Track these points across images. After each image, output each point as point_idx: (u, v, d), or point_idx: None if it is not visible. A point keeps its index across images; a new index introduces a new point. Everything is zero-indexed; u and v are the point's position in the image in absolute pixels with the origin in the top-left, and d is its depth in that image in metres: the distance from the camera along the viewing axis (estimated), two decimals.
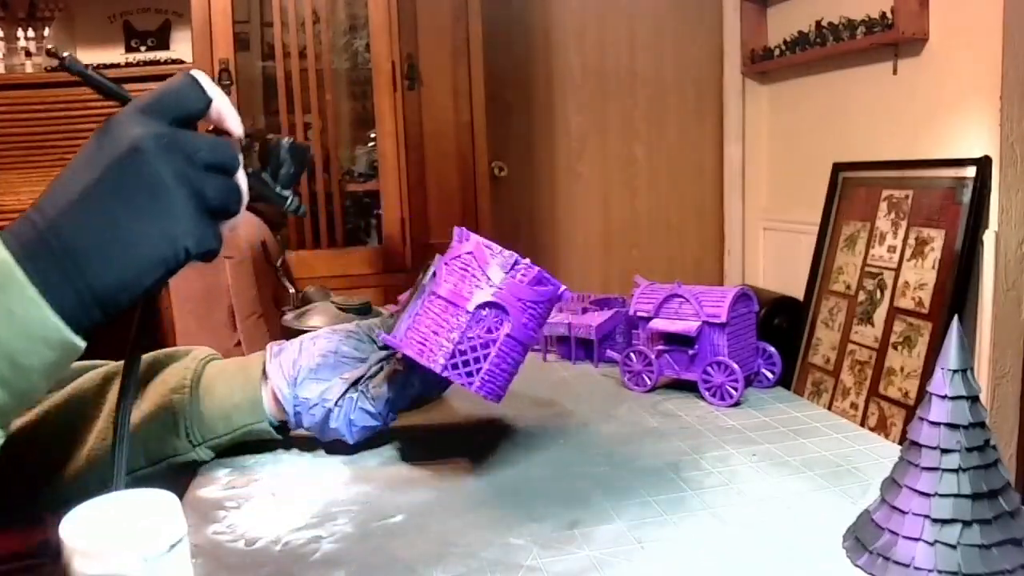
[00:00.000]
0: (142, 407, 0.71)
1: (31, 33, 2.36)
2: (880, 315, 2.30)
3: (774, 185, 3.08)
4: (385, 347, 0.75)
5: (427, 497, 0.72)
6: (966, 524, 0.53)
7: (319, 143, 2.30)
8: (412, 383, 0.74)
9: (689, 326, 0.96)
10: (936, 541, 0.53)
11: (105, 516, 0.39)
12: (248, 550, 0.64)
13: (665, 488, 0.72)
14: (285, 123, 2.27)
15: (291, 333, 0.86)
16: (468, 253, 0.67)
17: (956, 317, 0.60)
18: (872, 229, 2.39)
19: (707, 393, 0.96)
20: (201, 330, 1.74)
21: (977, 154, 2.05)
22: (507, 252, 0.67)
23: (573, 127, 3.09)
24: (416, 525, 0.67)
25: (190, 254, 0.45)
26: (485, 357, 0.67)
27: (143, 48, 2.52)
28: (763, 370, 1.02)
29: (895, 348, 2.23)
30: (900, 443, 0.59)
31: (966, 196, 2.07)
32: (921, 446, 0.55)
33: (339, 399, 0.73)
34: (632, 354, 1.02)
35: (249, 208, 0.52)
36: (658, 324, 0.99)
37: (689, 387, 0.99)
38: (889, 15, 2.23)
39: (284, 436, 0.78)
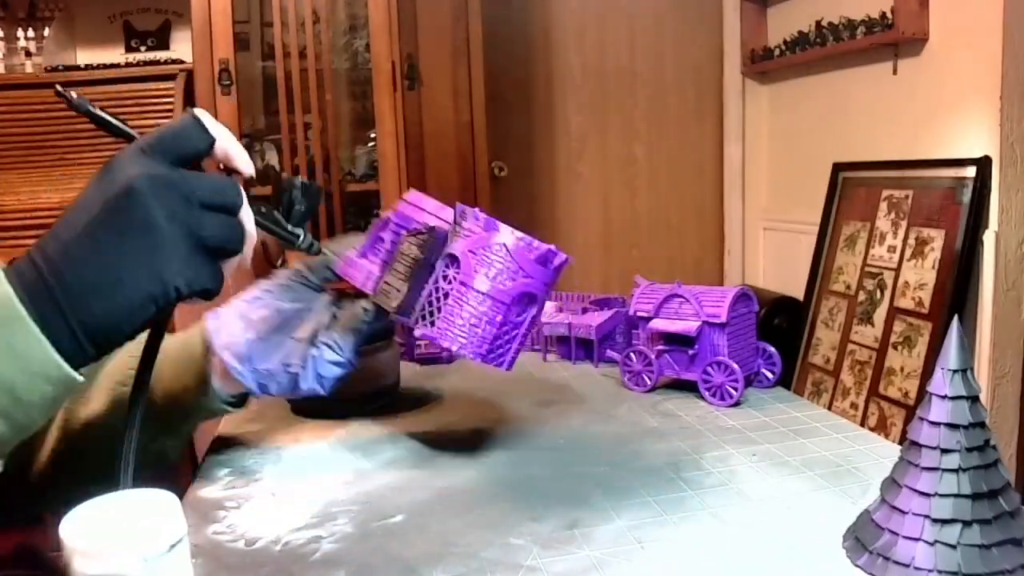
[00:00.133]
0: (92, 406, 0.70)
1: (31, 33, 2.36)
2: (880, 315, 2.30)
3: (774, 185, 3.07)
4: (322, 288, 0.74)
5: (427, 497, 0.72)
6: (966, 524, 0.53)
7: (319, 143, 2.30)
8: (377, 317, 0.72)
9: (689, 326, 0.96)
10: (936, 541, 0.53)
11: (105, 516, 0.39)
12: (248, 550, 0.64)
13: (665, 488, 0.72)
14: (285, 123, 2.27)
15: None
16: (500, 244, 0.67)
17: (956, 317, 0.60)
18: (872, 229, 2.39)
19: (707, 393, 0.96)
20: None
21: (977, 154, 2.05)
22: (534, 241, 0.69)
23: (573, 127, 3.09)
24: (416, 525, 0.67)
25: (181, 293, 0.46)
26: (515, 338, 0.69)
27: (143, 48, 2.52)
28: (763, 370, 1.02)
29: (895, 348, 2.23)
30: (900, 443, 0.59)
31: (966, 196, 2.06)
32: (921, 446, 0.55)
33: (303, 361, 0.71)
34: (632, 354, 1.02)
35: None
36: (658, 324, 0.99)
37: (689, 387, 0.99)
38: (889, 15, 2.23)
39: (243, 408, 0.76)
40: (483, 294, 0.67)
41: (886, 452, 0.79)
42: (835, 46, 2.46)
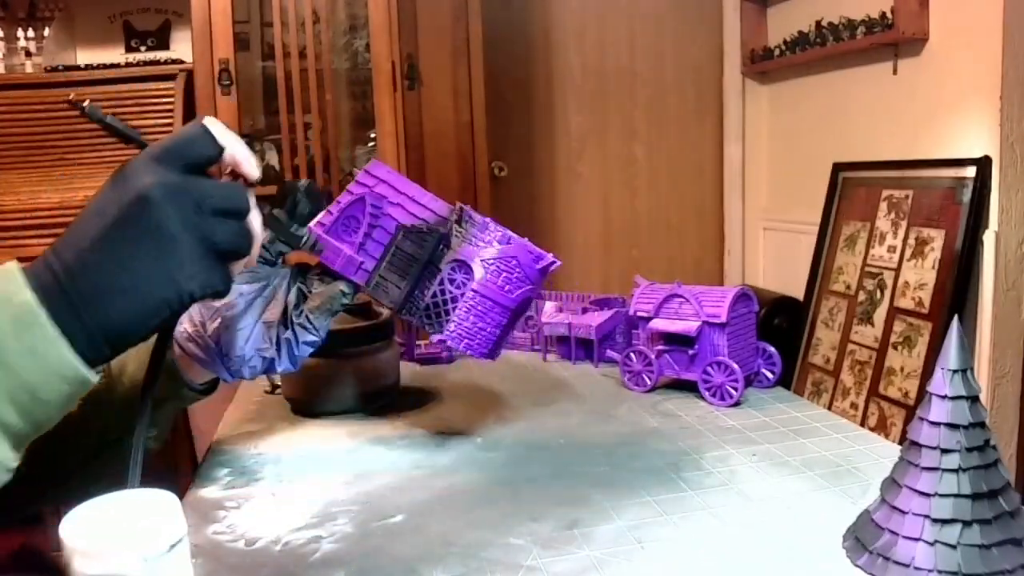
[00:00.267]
0: None
1: (31, 33, 2.35)
2: (880, 315, 2.30)
3: (774, 185, 3.07)
4: (277, 264, 0.72)
5: (427, 497, 0.72)
6: (966, 524, 0.53)
7: (319, 143, 2.30)
8: (345, 294, 0.71)
9: (689, 326, 0.96)
10: (936, 541, 0.53)
11: (105, 516, 0.39)
12: (248, 550, 0.64)
13: (665, 488, 0.72)
14: (285, 123, 2.27)
15: None
16: (513, 257, 0.70)
17: (956, 317, 0.60)
18: (872, 229, 2.39)
19: (707, 393, 0.96)
20: None
21: (977, 154, 2.05)
22: (541, 252, 0.72)
23: (573, 127, 3.09)
24: (416, 525, 0.67)
25: (194, 296, 0.48)
26: (507, 335, 0.73)
27: (143, 48, 2.52)
28: (763, 370, 1.02)
29: (895, 348, 2.23)
30: (900, 443, 0.59)
31: (966, 196, 2.06)
32: (921, 446, 0.55)
33: (276, 344, 0.70)
34: (632, 354, 1.02)
35: None
36: (658, 324, 0.99)
37: (689, 387, 0.99)
38: (889, 15, 2.23)
39: (214, 392, 0.75)
40: (494, 301, 0.70)
41: (886, 452, 0.79)
42: (835, 46, 2.46)
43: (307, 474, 0.79)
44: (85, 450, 0.69)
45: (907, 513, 0.55)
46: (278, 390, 1.04)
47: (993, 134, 2.01)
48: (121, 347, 0.47)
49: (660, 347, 1.00)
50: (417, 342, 1.23)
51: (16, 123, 2.25)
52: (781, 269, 3.00)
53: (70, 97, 0.58)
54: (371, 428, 0.92)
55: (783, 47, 2.75)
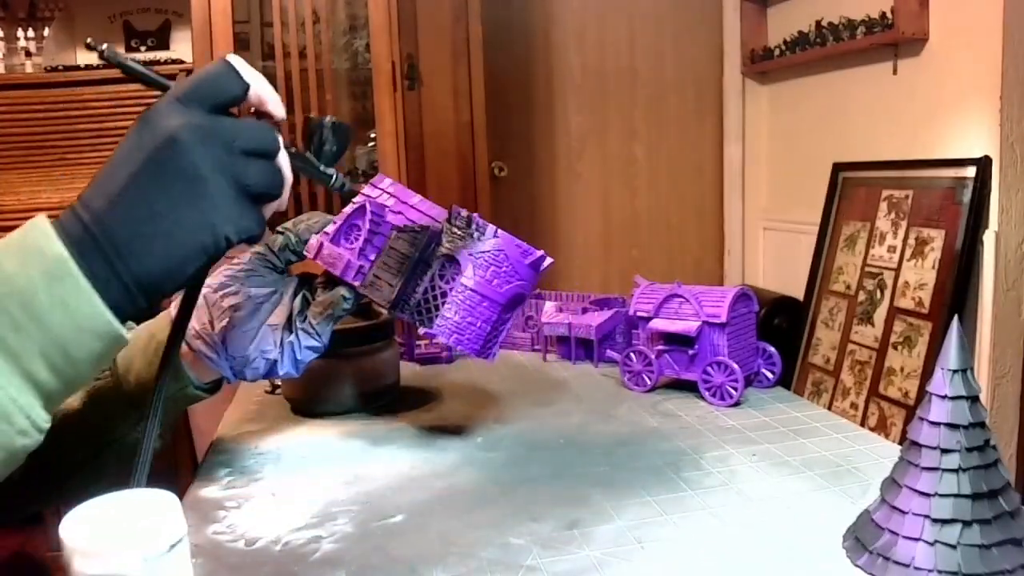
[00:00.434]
0: (68, 401, 0.69)
1: (31, 33, 2.35)
2: (880, 315, 2.30)
3: (774, 185, 3.07)
4: (286, 271, 0.74)
5: (427, 497, 0.72)
6: (966, 524, 0.53)
7: None
8: (347, 299, 0.72)
9: (689, 326, 0.96)
10: (936, 541, 0.53)
11: (105, 516, 0.39)
12: (248, 550, 0.64)
13: (665, 488, 0.72)
14: (285, 123, 2.27)
15: None
16: (500, 251, 0.71)
17: (956, 317, 0.60)
18: (872, 229, 2.39)
19: (707, 393, 0.96)
20: None
21: (977, 154, 2.05)
22: (529, 248, 0.73)
23: (573, 127, 3.09)
24: (416, 525, 0.67)
25: (231, 241, 0.46)
26: (501, 332, 0.73)
27: (143, 48, 2.52)
28: (763, 370, 1.02)
29: (895, 348, 2.23)
30: (900, 443, 0.59)
31: (966, 196, 2.06)
32: (921, 446, 0.55)
33: (280, 347, 0.70)
34: (632, 354, 1.02)
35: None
36: (658, 324, 0.99)
37: (689, 387, 0.99)
38: (889, 15, 2.23)
39: (218, 391, 0.75)
40: (483, 296, 0.70)
41: (886, 452, 0.79)
42: (835, 46, 2.46)
43: (307, 474, 0.79)
44: (87, 449, 0.69)
45: (907, 513, 0.55)
46: (278, 390, 1.04)
47: (993, 134, 2.01)
48: (156, 297, 0.46)
49: (660, 347, 1.00)
50: (417, 342, 1.23)
51: (16, 123, 2.25)
52: (781, 269, 3.00)
53: (87, 41, 0.58)
54: (371, 428, 0.92)
55: (783, 47, 2.76)
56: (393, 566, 0.60)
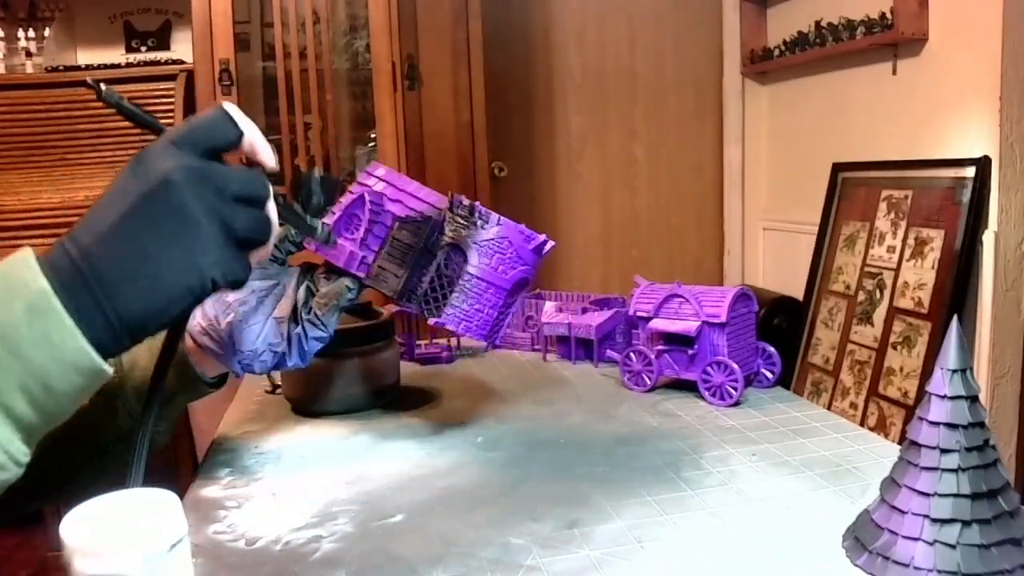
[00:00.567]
0: None
1: (31, 33, 2.36)
2: (880, 315, 2.30)
3: (774, 185, 3.07)
4: (286, 262, 0.74)
5: (427, 497, 0.73)
6: (965, 524, 0.53)
7: (319, 143, 2.30)
8: (351, 289, 0.72)
9: (689, 326, 0.96)
10: (935, 541, 0.53)
11: (106, 516, 0.39)
12: (248, 550, 0.64)
13: (665, 488, 0.72)
14: (285, 123, 2.27)
15: None
16: (504, 238, 0.72)
17: (956, 317, 0.60)
18: (872, 229, 2.39)
19: (707, 393, 0.96)
20: None
21: (976, 154, 2.05)
22: (532, 232, 0.73)
23: (573, 127, 3.09)
24: (416, 525, 0.67)
25: (216, 284, 0.47)
26: (507, 316, 0.74)
27: (143, 48, 2.52)
28: (763, 370, 1.02)
29: (895, 348, 2.23)
30: (900, 443, 0.59)
31: (966, 196, 2.06)
32: (921, 446, 0.55)
33: (287, 339, 0.71)
34: (632, 354, 1.02)
35: None
36: (658, 324, 0.99)
37: (689, 387, 0.99)
38: (889, 15, 2.23)
39: (223, 386, 0.76)
40: (488, 283, 0.71)
41: (886, 452, 0.79)
42: (835, 46, 2.46)
43: (307, 473, 0.79)
44: (92, 447, 0.69)
45: (906, 513, 0.55)
46: (278, 390, 1.04)
47: (993, 134, 2.01)
48: (140, 336, 0.46)
49: (660, 347, 1.00)
50: (417, 342, 1.23)
51: (16, 123, 2.25)
52: (781, 269, 3.00)
53: (87, 80, 0.58)
54: (371, 428, 0.92)
55: (783, 47, 2.76)
56: (393, 566, 0.60)
